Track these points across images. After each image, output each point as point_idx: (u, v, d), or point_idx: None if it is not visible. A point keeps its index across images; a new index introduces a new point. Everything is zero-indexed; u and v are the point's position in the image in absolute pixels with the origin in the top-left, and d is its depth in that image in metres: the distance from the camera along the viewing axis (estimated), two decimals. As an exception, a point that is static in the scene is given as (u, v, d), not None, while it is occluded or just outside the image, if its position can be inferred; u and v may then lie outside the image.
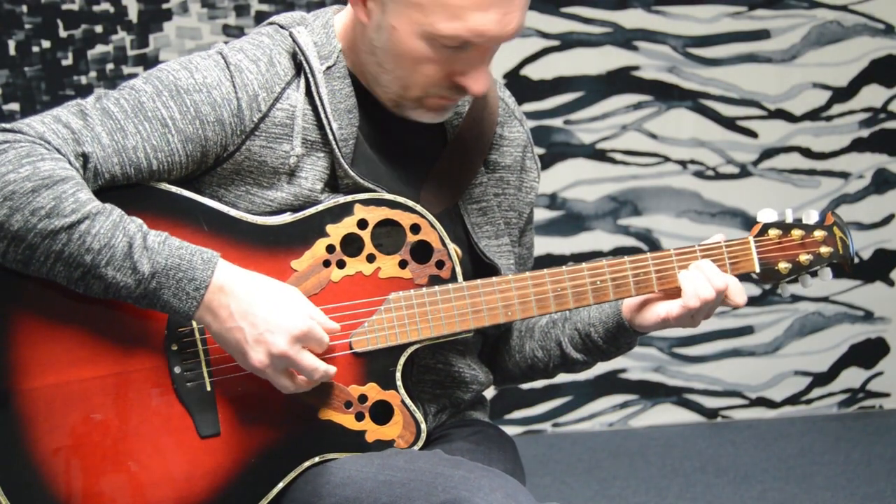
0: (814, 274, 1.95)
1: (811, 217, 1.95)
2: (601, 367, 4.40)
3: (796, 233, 1.92)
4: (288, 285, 1.73)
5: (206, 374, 1.75)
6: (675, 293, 1.86)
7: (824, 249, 1.93)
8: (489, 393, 2.10)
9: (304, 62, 1.80)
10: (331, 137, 1.79)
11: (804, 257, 1.92)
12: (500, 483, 1.65)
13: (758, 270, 1.91)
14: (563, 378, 4.38)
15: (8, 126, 1.67)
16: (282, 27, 1.85)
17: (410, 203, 1.79)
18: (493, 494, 1.62)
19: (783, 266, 1.91)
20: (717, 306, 1.86)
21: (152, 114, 1.73)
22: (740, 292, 1.87)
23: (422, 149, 1.92)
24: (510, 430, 3.14)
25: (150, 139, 1.72)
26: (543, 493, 3.83)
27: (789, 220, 1.94)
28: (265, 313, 1.67)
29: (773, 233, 1.92)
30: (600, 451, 4.25)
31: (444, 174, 1.91)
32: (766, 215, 1.94)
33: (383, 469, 1.71)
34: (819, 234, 1.93)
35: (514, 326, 2.07)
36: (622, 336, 1.93)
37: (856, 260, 1.95)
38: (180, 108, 1.74)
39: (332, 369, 1.73)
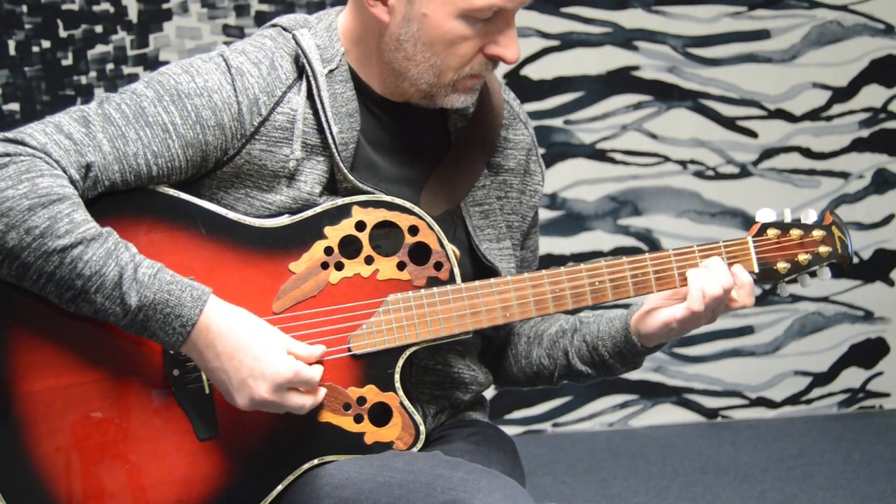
0: (812, 273, 1.95)
1: (809, 217, 1.94)
2: (601, 367, 4.40)
3: (795, 232, 1.92)
4: (274, 328, 1.72)
5: (204, 377, 1.74)
6: (677, 296, 1.86)
7: (823, 249, 1.92)
8: (489, 393, 2.10)
9: (306, 65, 1.80)
10: (330, 141, 1.79)
11: (803, 257, 1.92)
12: (498, 484, 1.65)
13: (756, 270, 1.90)
14: (568, 382, 4.38)
15: (10, 136, 1.67)
16: (285, 30, 1.85)
17: (408, 205, 1.79)
18: (492, 496, 1.62)
19: (782, 266, 1.91)
20: (722, 307, 1.86)
21: (153, 119, 1.73)
22: (749, 294, 1.87)
23: (425, 151, 1.92)
24: (510, 430, 3.14)
25: (150, 145, 1.72)
26: (543, 493, 3.83)
27: (788, 219, 1.94)
28: (250, 360, 1.67)
29: (771, 233, 1.92)
30: (600, 451, 4.25)
31: (447, 176, 1.91)
32: (764, 215, 1.93)
33: (382, 470, 1.71)
34: (818, 233, 1.93)
35: (521, 332, 2.07)
36: (629, 352, 1.93)
37: (855, 259, 1.95)
38: (181, 113, 1.74)
39: (319, 398, 1.73)
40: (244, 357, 1.67)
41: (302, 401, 1.71)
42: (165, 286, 1.65)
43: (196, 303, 1.66)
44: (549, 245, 4.29)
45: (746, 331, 4.51)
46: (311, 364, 1.72)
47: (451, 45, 1.77)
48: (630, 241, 4.40)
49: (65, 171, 1.66)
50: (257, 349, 1.68)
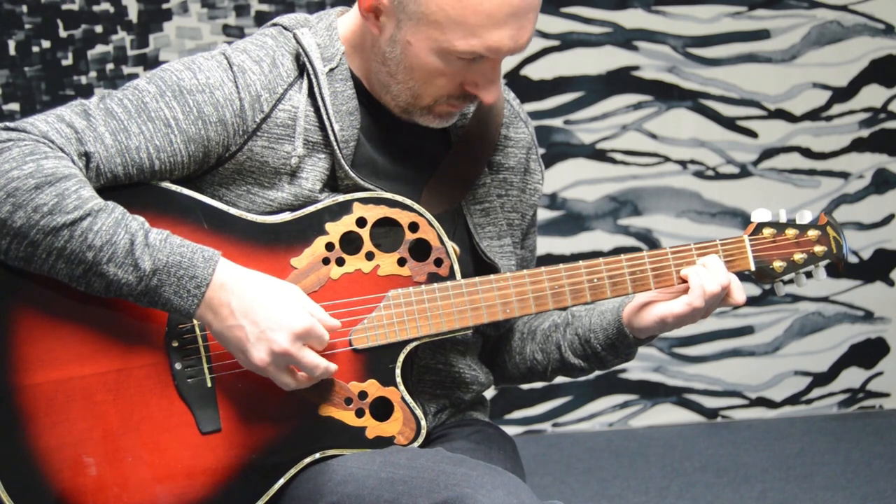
0: (808, 273, 1.96)
1: (805, 217, 1.96)
2: (601, 367, 4.40)
3: (790, 232, 1.94)
4: (289, 283, 1.73)
5: (206, 371, 1.75)
6: (675, 294, 1.87)
7: (818, 248, 1.94)
8: (489, 393, 2.11)
9: (307, 63, 1.81)
10: (332, 139, 1.80)
11: (798, 256, 1.93)
12: (502, 480, 1.66)
13: (753, 269, 1.92)
14: (563, 377, 4.38)
15: (12, 125, 1.69)
16: (285, 28, 1.86)
17: (408, 202, 1.80)
18: (496, 492, 1.62)
19: (778, 265, 1.93)
20: (718, 304, 1.87)
21: (155, 114, 1.74)
22: (740, 290, 1.88)
23: (425, 150, 1.93)
24: (510, 430, 3.15)
25: (152, 139, 1.73)
26: (543, 493, 3.83)
27: (783, 219, 1.95)
28: (266, 312, 1.67)
29: (767, 232, 1.93)
30: (600, 451, 4.25)
31: (448, 175, 1.92)
32: (760, 215, 1.95)
33: (385, 466, 1.71)
34: (813, 233, 1.94)
35: (515, 328, 2.07)
36: (621, 344, 1.94)
37: (853, 259, 1.97)
38: (183, 109, 1.75)
39: (332, 366, 1.73)
40: (260, 310, 1.67)
41: (317, 360, 1.71)
42: (177, 249, 1.66)
43: (208, 263, 1.67)
44: (549, 245, 4.30)
45: (746, 331, 4.51)
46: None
47: (430, 77, 1.78)
48: (630, 241, 4.40)
49: (67, 156, 1.67)
50: (273, 301, 1.68)
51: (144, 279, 1.65)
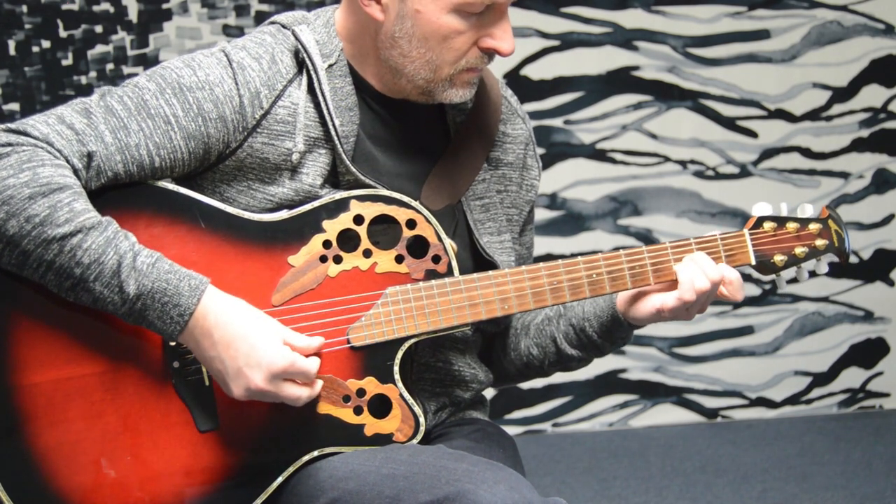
0: (811, 269, 1.95)
1: (806, 211, 1.95)
2: (601, 367, 4.40)
3: (791, 226, 1.93)
4: (272, 319, 1.73)
5: (204, 369, 1.75)
6: (671, 285, 1.87)
7: (820, 242, 1.93)
8: (489, 393, 2.11)
9: (306, 60, 1.81)
10: (333, 134, 1.80)
11: (800, 250, 1.93)
12: (503, 476, 1.66)
13: (753, 263, 1.91)
14: (562, 378, 4.38)
15: (13, 126, 1.69)
16: (284, 26, 1.86)
17: (406, 199, 1.80)
18: (497, 487, 1.62)
19: (779, 258, 1.92)
20: (712, 298, 1.87)
21: (155, 111, 1.74)
22: (739, 289, 1.88)
23: (424, 146, 1.93)
24: (510, 430, 3.15)
25: (152, 137, 1.73)
26: (544, 493, 3.76)
27: (784, 213, 1.95)
28: (247, 348, 1.68)
29: (767, 226, 1.93)
30: (600, 451, 4.25)
31: (448, 171, 1.92)
32: (760, 209, 1.94)
33: (386, 462, 1.71)
34: (814, 226, 1.93)
35: (509, 325, 2.07)
36: (617, 330, 1.94)
37: (854, 258, 1.96)
38: (183, 106, 1.75)
39: (316, 392, 1.74)
40: (240, 346, 1.67)
41: (298, 392, 1.71)
42: (164, 275, 1.66)
43: (194, 292, 1.67)
44: (549, 245, 4.30)
45: (746, 331, 4.51)
46: (308, 356, 1.72)
47: (446, 40, 1.78)
48: (630, 241, 4.40)
49: (67, 161, 1.67)
50: (253, 338, 1.68)
51: (128, 302, 1.65)
